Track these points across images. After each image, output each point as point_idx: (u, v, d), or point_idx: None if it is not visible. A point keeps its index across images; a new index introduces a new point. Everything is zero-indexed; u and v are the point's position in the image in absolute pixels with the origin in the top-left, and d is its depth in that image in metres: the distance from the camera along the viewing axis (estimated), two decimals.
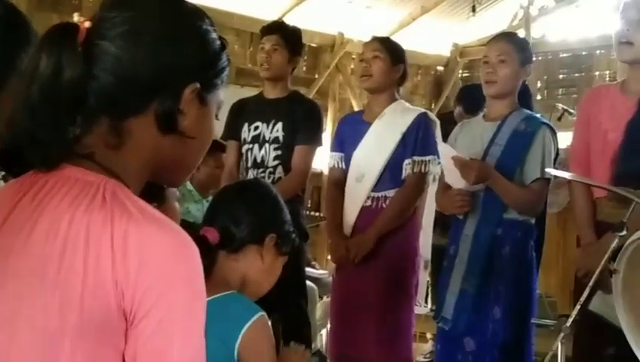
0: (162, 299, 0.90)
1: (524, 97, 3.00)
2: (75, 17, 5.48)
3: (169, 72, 0.99)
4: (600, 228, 2.57)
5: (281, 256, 1.78)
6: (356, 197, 3.26)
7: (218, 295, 1.63)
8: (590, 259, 2.40)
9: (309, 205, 6.75)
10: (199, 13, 1.05)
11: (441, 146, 3.03)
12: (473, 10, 6.90)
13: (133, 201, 0.94)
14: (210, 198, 4.13)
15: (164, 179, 1.09)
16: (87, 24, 0.99)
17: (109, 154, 0.98)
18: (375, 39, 3.36)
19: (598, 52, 7.45)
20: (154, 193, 1.61)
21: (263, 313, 1.64)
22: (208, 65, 1.04)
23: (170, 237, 0.93)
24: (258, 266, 1.73)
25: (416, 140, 3.18)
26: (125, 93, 0.98)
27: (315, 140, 3.45)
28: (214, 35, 1.06)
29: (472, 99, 4.89)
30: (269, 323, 1.66)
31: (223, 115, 3.65)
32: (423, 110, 3.33)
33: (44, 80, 0.95)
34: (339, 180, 3.35)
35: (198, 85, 1.01)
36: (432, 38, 7.94)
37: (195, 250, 0.95)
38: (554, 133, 2.89)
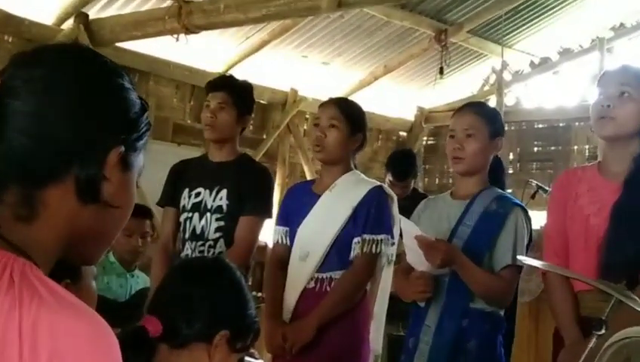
0: None
1: (496, 172, 3.06)
2: None
3: (92, 134, 1.00)
4: (585, 325, 2.58)
5: (235, 353, 1.73)
6: (299, 277, 3.23)
7: None
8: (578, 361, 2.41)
9: (250, 283, 6.70)
10: (119, 71, 1.08)
11: (404, 223, 3.04)
12: (441, 72, 7.10)
13: (44, 283, 0.93)
14: (135, 273, 4.10)
15: (79, 255, 1.08)
16: None
17: (19, 228, 0.97)
18: (332, 103, 3.32)
19: (577, 124, 7.67)
20: (67, 269, 1.58)
21: None
22: (131, 126, 1.06)
23: (85, 325, 0.92)
24: None
25: (368, 217, 3.15)
26: (41, 156, 0.98)
27: (263, 211, 3.45)
28: (135, 95, 1.08)
29: (400, 165, 5.05)
30: None
31: (160, 176, 3.65)
32: (377, 183, 3.30)
33: None
34: (282, 257, 3.32)
35: (122, 149, 1.03)
36: (395, 101, 8.13)
37: (113, 341, 0.94)
38: (527, 216, 2.95)
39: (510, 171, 8.02)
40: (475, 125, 2.92)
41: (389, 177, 5.02)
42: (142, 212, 3.99)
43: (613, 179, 2.65)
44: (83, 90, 1.01)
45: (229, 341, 1.69)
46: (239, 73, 5.09)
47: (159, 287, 1.83)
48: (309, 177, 7.05)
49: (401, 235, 3.07)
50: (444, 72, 7.10)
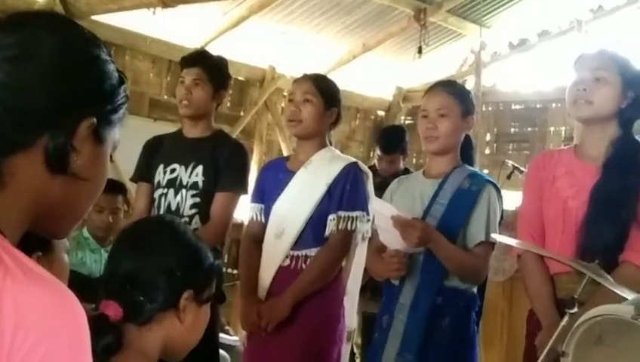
0: None
1: (467, 150, 3.07)
2: None
3: (63, 103, 0.99)
4: (561, 307, 2.60)
5: (205, 305, 1.69)
6: (274, 255, 3.23)
7: None
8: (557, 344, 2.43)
9: (226, 261, 6.69)
10: (95, 41, 1.06)
11: (377, 204, 3.04)
12: (419, 51, 7.10)
13: (10, 254, 0.92)
14: (109, 248, 4.07)
15: (48, 228, 1.07)
16: None
17: None
18: (307, 78, 3.32)
19: (553, 105, 7.71)
20: (39, 241, 1.55)
21: None
22: (106, 98, 1.05)
23: (52, 297, 0.91)
24: (177, 329, 1.64)
25: (343, 193, 3.16)
26: (10, 124, 0.97)
27: (239, 187, 3.44)
28: (113, 67, 1.07)
29: (388, 138, 5.15)
30: None
31: (135, 151, 3.63)
32: (352, 159, 3.30)
33: None
34: (257, 235, 3.32)
35: (94, 120, 1.02)
36: (373, 80, 8.11)
37: (81, 312, 0.93)
38: (499, 193, 2.98)
39: (487, 152, 8.06)
40: (447, 105, 2.94)
41: (377, 151, 5.06)
42: (114, 187, 3.98)
43: (591, 162, 2.67)
44: (56, 58, 1.00)
45: (194, 297, 1.65)
46: (217, 49, 5.05)
47: (108, 269, 1.73)
48: (286, 155, 7.03)
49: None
50: (423, 52, 7.09)
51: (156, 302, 1.62)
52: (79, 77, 1.01)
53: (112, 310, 1.59)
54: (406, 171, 4.90)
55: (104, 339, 1.54)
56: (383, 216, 2.89)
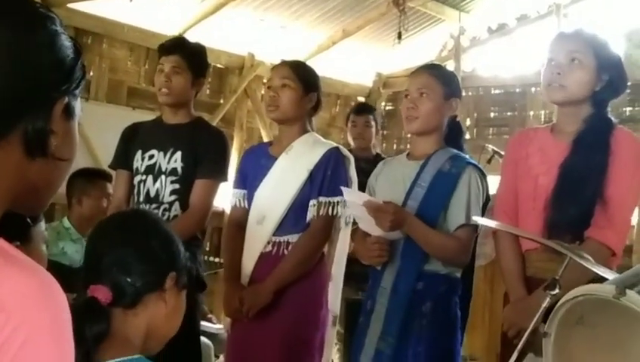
0: (24, 353, 0.87)
1: (454, 135, 3.07)
2: None
3: (34, 90, 0.98)
4: (530, 283, 2.65)
5: (182, 291, 1.74)
6: (256, 241, 3.24)
7: (120, 359, 1.58)
8: (521, 317, 2.47)
9: (207, 249, 6.68)
10: (50, 15, 1.04)
11: (347, 193, 3.03)
12: (399, 37, 7.08)
13: None
14: None
15: (26, 206, 1.06)
16: None
17: None
18: (284, 64, 3.35)
19: (533, 90, 7.74)
20: (17, 231, 1.55)
21: None
22: (70, 74, 1.03)
23: (32, 281, 0.90)
24: (162, 313, 1.68)
25: (324, 179, 3.16)
26: None
27: (218, 174, 3.42)
28: (67, 39, 1.04)
29: (362, 104, 5.31)
30: None
31: (114, 140, 3.61)
32: (334, 144, 3.31)
33: None
34: (240, 221, 3.32)
35: (66, 98, 1.01)
36: (353, 66, 8.11)
37: (62, 296, 0.93)
38: (482, 175, 2.96)
39: (467, 137, 8.05)
40: (428, 85, 2.94)
41: (351, 118, 5.04)
42: (104, 175, 4.07)
43: (563, 139, 2.69)
44: (18, 44, 0.97)
45: (176, 281, 1.70)
46: (195, 36, 5.03)
47: (92, 250, 1.77)
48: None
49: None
50: (402, 37, 7.09)
51: (144, 284, 1.65)
52: (45, 60, 0.99)
53: (102, 293, 1.61)
54: (377, 156, 4.90)
55: (97, 326, 1.56)
56: (356, 204, 2.90)
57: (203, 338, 3.97)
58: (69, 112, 1.03)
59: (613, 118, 2.71)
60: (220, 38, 6.75)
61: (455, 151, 3.00)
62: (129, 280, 1.64)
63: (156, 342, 1.72)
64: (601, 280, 2.12)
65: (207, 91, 7.07)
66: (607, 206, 2.55)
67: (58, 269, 1.94)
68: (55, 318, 0.91)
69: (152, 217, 1.85)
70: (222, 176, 3.45)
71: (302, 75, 3.26)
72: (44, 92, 0.99)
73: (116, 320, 1.62)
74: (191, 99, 3.51)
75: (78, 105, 1.07)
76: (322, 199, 3.16)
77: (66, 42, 1.03)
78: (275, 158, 3.28)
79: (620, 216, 2.60)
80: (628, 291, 1.86)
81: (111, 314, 1.62)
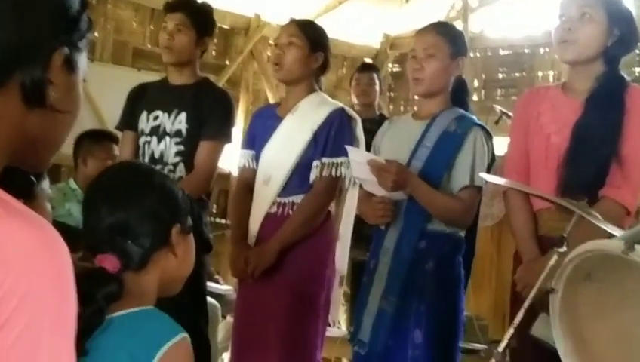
0: (25, 305, 0.86)
1: (459, 94, 3.04)
2: None
3: (33, 37, 0.97)
4: (542, 243, 2.63)
5: (188, 235, 1.72)
6: (262, 202, 3.25)
7: (133, 309, 1.59)
8: (535, 278, 2.45)
9: (214, 210, 6.70)
10: None
11: (352, 153, 3.02)
12: None
13: None
14: None
15: (28, 161, 1.06)
16: None
17: None
18: (293, 22, 3.34)
19: (541, 50, 7.67)
20: (21, 188, 1.54)
21: (185, 334, 1.58)
22: (73, 25, 1.02)
23: (34, 232, 0.90)
24: (172, 264, 1.67)
25: (327, 140, 3.16)
26: None
27: (223, 135, 3.41)
28: None
29: (366, 63, 5.27)
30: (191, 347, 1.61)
31: (119, 101, 3.60)
32: (340, 105, 3.28)
33: None
34: (248, 182, 3.33)
35: (67, 50, 1.00)
36: (360, 27, 8.02)
37: (65, 249, 0.93)
38: (488, 136, 2.94)
39: (475, 98, 8.01)
40: (435, 44, 2.91)
41: (355, 76, 5.03)
42: (110, 137, 4.04)
43: (575, 97, 2.66)
44: None
45: (181, 229, 1.68)
46: None
47: (89, 225, 1.69)
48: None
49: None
50: None
51: (150, 245, 1.63)
52: (45, 7, 0.98)
53: (110, 263, 1.60)
54: (382, 116, 4.88)
55: (108, 289, 1.55)
56: (360, 163, 2.88)
57: (210, 299, 3.99)
58: (70, 65, 1.01)
59: (626, 76, 2.69)
60: None
61: (461, 111, 2.97)
62: (134, 244, 1.62)
63: (175, 284, 1.73)
64: (610, 238, 2.11)
65: (213, 52, 7.02)
66: (623, 165, 2.54)
67: (65, 230, 1.94)
68: (58, 271, 0.91)
69: (143, 171, 1.80)
70: (227, 137, 3.44)
71: (309, 34, 3.24)
72: (43, 42, 0.98)
73: (129, 281, 1.61)
74: (195, 58, 3.48)
75: (83, 60, 1.05)
76: (325, 160, 3.15)
77: None
78: (282, 119, 3.27)
79: (636, 175, 2.59)
80: (637, 246, 1.85)
81: (122, 276, 1.61)
